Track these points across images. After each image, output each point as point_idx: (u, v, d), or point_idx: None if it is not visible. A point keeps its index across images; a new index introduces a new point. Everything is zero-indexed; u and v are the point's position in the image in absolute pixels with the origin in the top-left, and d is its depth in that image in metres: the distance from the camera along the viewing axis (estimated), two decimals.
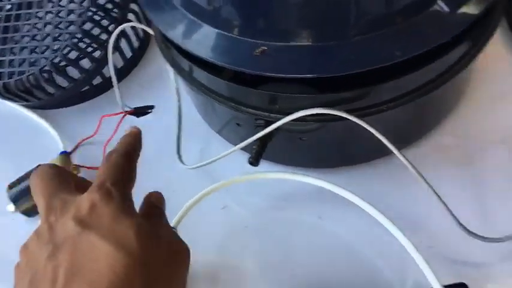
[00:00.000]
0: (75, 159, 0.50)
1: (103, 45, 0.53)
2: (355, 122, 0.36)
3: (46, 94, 0.53)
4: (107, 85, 0.56)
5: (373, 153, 0.45)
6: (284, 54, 0.35)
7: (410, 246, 0.33)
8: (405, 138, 0.46)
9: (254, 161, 0.40)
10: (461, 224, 0.36)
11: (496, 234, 0.36)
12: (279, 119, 0.38)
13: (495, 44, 0.45)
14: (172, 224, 0.39)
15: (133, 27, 0.58)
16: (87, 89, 0.56)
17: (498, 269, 0.36)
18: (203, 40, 0.38)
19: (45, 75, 0.52)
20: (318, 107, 0.37)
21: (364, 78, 0.35)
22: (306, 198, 0.44)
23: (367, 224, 0.36)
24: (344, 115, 0.36)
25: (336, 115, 0.36)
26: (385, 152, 0.41)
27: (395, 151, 0.36)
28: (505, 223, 0.37)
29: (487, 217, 0.39)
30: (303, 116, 0.37)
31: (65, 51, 0.51)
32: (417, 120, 0.45)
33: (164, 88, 0.50)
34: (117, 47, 0.56)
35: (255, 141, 0.40)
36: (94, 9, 0.53)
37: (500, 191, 0.40)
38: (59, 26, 0.53)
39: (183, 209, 0.41)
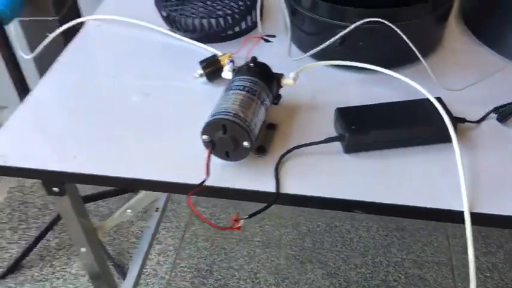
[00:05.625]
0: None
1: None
2: (393, 30, 0.70)
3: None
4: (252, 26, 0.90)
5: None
6: None
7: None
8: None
9: (339, 45, 0.74)
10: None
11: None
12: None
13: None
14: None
15: None
16: (239, 31, 0.89)
17: None
18: None
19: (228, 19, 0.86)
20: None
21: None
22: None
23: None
24: (385, 22, 0.71)
25: (381, 22, 0.71)
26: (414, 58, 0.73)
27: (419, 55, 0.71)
28: None
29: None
30: (362, 23, 0.72)
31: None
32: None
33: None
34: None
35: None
36: None
37: None
38: None
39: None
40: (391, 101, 0.70)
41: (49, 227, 1.45)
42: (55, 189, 0.73)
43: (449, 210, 0.59)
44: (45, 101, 0.79)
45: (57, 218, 1.46)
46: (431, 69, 0.75)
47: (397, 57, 0.77)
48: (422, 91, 0.68)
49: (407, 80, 0.70)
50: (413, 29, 0.75)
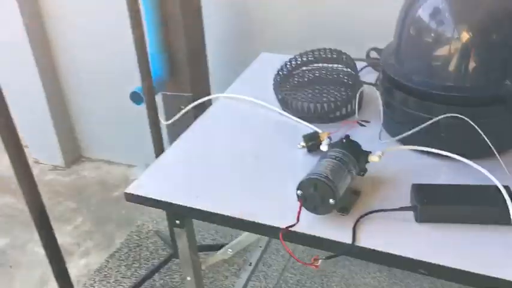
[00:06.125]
0: None
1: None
2: (472, 126, 0.82)
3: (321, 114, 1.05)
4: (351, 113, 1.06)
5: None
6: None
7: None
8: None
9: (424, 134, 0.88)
10: None
11: None
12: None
13: None
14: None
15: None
16: (339, 115, 1.06)
17: None
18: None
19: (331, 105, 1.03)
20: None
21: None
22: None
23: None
24: (465, 118, 0.83)
25: (461, 118, 0.83)
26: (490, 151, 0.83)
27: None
28: None
29: None
30: (444, 117, 0.85)
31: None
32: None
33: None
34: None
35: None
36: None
37: None
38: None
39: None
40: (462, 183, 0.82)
41: (156, 270, 1.65)
42: (177, 221, 0.92)
43: (503, 280, 0.67)
44: (177, 157, 1.01)
45: (164, 263, 1.66)
46: (505, 162, 0.85)
47: (473, 149, 0.88)
48: (492, 179, 0.79)
49: (480, 168, 0.81)
50: (491, 126, 0.86)
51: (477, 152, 0.87)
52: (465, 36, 0.84)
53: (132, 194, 0.89)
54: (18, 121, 0.96)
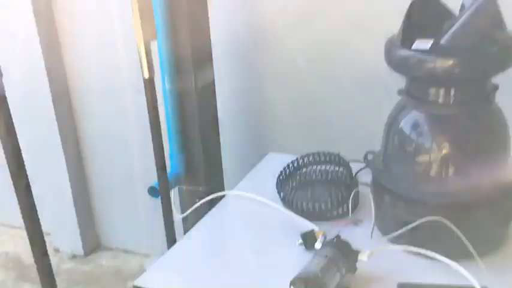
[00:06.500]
0: None
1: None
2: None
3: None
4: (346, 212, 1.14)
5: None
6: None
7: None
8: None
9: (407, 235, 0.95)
10: None
11: None
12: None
13: None
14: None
15: None
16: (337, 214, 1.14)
17: None
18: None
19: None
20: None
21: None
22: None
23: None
24: (446, 222, 0.89)
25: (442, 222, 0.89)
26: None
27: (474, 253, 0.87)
28: None
29: None
30: (427, 220, 0.91)
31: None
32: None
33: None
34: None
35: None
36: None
37: None
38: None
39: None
40: (445, 283, 0.87)
41: None
42: None
43: None
44: (184, 251, 1.10)
45: None
46: (486, 263, 0.90)
47: (456, 250, 0.93)
48: (472, 280, 0.84)
49: (461, 270, 0.87)
50: (472, 229, 0.92)
51: (460, 253, 0.92)
52: (442, 147, 0.94)
53: (140, 287, 0.97)
54: (41, 210, 1.06)
